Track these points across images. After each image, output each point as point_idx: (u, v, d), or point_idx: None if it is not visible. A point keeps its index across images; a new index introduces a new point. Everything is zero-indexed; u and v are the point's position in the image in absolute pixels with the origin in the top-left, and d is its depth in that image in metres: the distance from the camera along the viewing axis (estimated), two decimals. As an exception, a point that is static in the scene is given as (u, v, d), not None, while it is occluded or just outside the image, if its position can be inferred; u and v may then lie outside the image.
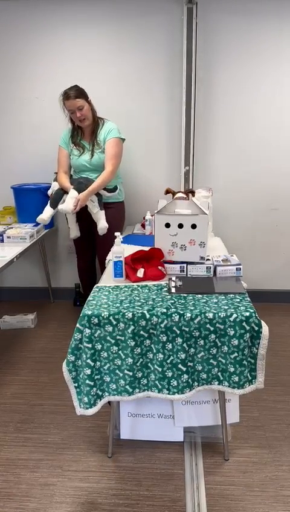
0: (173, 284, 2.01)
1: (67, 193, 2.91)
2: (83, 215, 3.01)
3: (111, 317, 1.73)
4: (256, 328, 1.72)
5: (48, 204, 2.93)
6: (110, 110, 3.27)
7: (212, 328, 1.72)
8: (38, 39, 3.23)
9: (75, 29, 3.19)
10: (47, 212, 2.90)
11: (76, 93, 2.76)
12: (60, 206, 2.79)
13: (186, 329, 1.72)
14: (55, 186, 3.00)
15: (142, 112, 3.35)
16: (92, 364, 1.75)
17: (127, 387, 1.77)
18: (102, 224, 2.91)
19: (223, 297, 1.88)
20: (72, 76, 3.23)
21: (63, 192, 2.92)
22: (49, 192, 3.08)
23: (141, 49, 3.22)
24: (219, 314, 1.72)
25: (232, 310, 1.74)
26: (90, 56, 3.24)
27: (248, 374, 1.77)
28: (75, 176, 3.03)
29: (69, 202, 2.77)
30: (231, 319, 1.71)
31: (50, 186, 3.10)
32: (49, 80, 3.31)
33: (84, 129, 2.94)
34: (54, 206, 2.91)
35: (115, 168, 2.91)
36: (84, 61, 3.25)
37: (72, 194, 2.79)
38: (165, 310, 1.73)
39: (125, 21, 3.17)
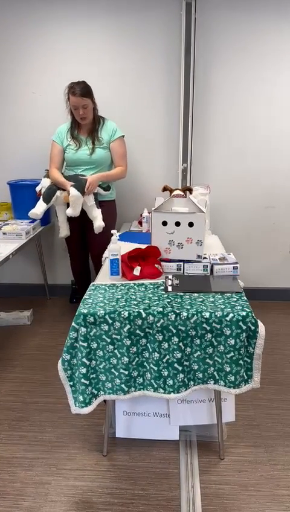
0: (169, 282, 2.00)
1: (61, 189, 2.89)
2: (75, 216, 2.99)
3: (107, 316, 1.72)
4: (252, 328, 1.71)
5: (41, 198, 2.91)
6: (108, 106, 3.25)
7: (208, 328, 1.71)
8: (35, 33, 3.20)
9: (72, 24, 3.16)
10: (40, 207, 2.88)
11: (83, 91, 2.75)
12: (68, 212, 2.80)
13: (183, 328, 1.71)
14: (45, 183, 2.98)
15: (140, 108, 3.32)
16: (88, 363, 1.74)
17: (123, 386, 1.76)
18: (98, 223, 2.90)
19: (220, 296, 1.87)
20: (69, 71, 3.20)
21: (56, 187, 2.90)
22: (37, 188, 3.05)
23: (139, 45, 3.19)
24: (216, 313, 1.71)
25: (229, 310, 1.73)
26: (87, 51, 3.21)
27: (244, 374, 1.77)
28: (68, 172, 3.00)
29: (76, 207, 2.79)
30: (228, 318, 1.70)
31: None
32: (46, 75, 3.27)
33: (82, 125, 2.92)
34: (47, 201, 2.89)
35: (126, 167, 3.04)
36: (82, 56, 3.22)
37: (74, 193, 2.77)
38: (161, 309, 1.72)
39: (124, 16, 3.13)
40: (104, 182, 2.94)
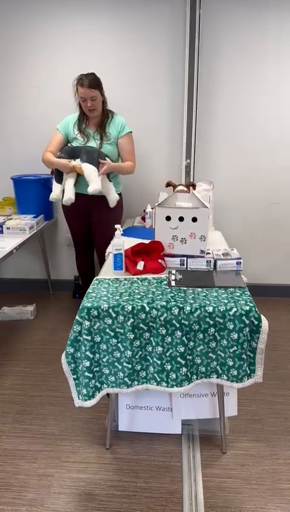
0: (172, 277, 2.00)
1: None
2: (81, 209, 2.98)
3: (110, 310, 1.72)
4: (256, 322, 1.72)
5: (54, 181, 2.84)
6: (111, 101, 3.24)
7: (211, 322, 1.72)
8: (38, 28, 3.20)
9: (75, 19, 3.16)
10: (56, 189, 2.81)
11: (92, 82, 2.71)
12: (90, 190, 2.66)
13: (186, 322, 1.72)
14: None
15: (143, 104, 3.32)
16: (91, 356, 1.75)
17: (126, 379, 1.77)
18: (113, 196, 2.85)
19: (223, 291, 1.88)
20: (72, 66, 3.20)
21: None
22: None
23: (142, 40, 3.18)
24: (219, 308, 1.71)
25: (232, 304, 1.73)
26: (91, 46, 3.21)
27: (247, 368, 1.77)
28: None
29: (95, 182, 2.65)
30: (231, 312, 1.70)
31: (50, 178, 3.08)
32: (49, 70, 3.28)
33: (91, 118, 2.90)
34: (60, 180, 2.82)
35: (135, 163, 3.01)
36: (85, 51, 3.22)
37: (87, 167, 2.68)
38: (164, 303, 1.73)
39: (128, 10, 3.13)
40: (114, 172, 2.92)
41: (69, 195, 2.82)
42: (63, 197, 2.84)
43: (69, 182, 2.86)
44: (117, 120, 2.92)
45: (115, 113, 2.96)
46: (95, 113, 2.83)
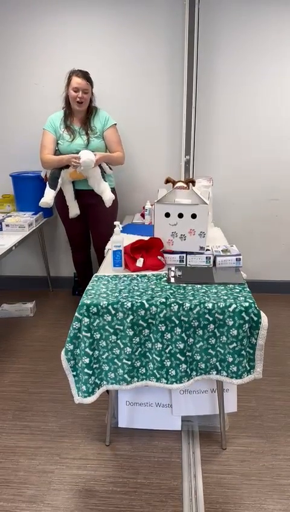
0: (172, 273, 2.00)
1: (64, 168, 2.82)
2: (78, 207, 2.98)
3: (110, 307, 1.72)
4: (255, 319, 1.71)
5: (47, 186, 2.83)
6: (110, 97, 3.24)
7: (211, 318, 1.72)
8: (37, 24, 3.18)
9: (74, 15, 3.14)
10: (49, 195, 2.80)
11: (87, 76, 2.80)
12: (82, 160, 2.66)
13: (185, 319, 1.71)
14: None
15: (143, 100, 3.31)
16: (91, 353, 1.75)
17: (126, 376, 1.77)
18: (108, 195, 2.84)
19: (223, 287, 1.87)
20: (71, 62, 3.18)
21: (58, 170, 2.84)
22: (42, 174, 3.01)
23: (141, 35, 3.16)
24: (218, 304, 1.71)
25: (232, 300, 1.73)
26: (90, 41, 3.19)
27: (247, 364, 1.77)
28: None
29: (86, 153, 2.69)
30: (230, 309, 1.70)
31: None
32: (48, 66, 3.26)
33: (75, 113, 2.89)
34: (54, 186, 2.82)
35: (124, 153, 3.02)
36: (84, 47, 3.20)
37: (84, 150, 2.72)
38: (164, 300, 1.72)
39: (126, 5, 3.11)
40: (106, 162, 2.92)
41: (75, 211, 2.99)
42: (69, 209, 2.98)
43: (69, 196, 2.94)
44: (101, 114, 2.93)
45: (98, 108, 2.96)
46: (82, 107, 2.83)
